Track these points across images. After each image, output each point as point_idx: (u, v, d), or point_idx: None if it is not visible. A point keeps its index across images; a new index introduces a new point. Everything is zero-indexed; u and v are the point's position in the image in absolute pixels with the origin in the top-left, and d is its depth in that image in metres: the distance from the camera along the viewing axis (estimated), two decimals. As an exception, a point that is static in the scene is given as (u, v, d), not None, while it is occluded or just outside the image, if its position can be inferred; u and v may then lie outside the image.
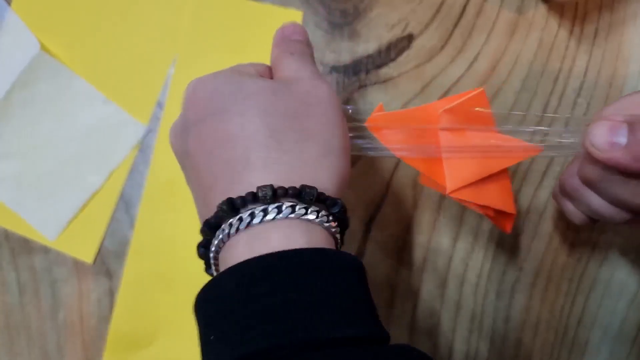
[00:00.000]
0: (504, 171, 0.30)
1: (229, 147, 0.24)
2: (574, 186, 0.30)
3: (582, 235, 0.38)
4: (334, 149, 0.25)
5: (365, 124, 0.30)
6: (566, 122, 0.29)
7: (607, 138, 0.26)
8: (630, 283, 0.38)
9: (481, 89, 0.30)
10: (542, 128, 0.31)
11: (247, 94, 0.25)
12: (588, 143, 0.27)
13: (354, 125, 0.29)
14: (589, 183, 0.29)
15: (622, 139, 0.26)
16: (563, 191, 0.32)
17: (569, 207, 0.32)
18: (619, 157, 0.26)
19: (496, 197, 0.30)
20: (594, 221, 0.32)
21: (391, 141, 0.30)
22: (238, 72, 0.27)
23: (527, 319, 0.38)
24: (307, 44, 0.31)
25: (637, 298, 0.38)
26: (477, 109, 0.30)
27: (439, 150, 0.30)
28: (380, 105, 0.30)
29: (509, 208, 0.30)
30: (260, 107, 0.25)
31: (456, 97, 0.30)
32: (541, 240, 0.38)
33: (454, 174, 0.29)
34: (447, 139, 0.30)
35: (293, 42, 0.30)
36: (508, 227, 0.31)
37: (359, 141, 0.30)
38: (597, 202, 0.29)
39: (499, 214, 0.31)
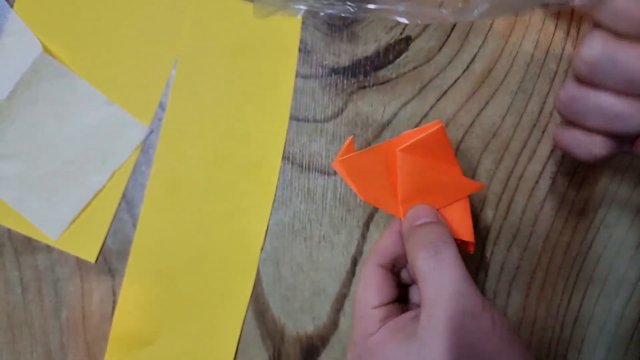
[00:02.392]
0: (465, 204, 0.32)
1: None
2: (575, 96, 0.27)
3: (579, 234, 0.39)
4: None
5: (332, 165, 0.31)
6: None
7: None
8: (626, 281, 0.39)
9: (440, 124, 0.30)
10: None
11: None
12: None
13: None
14: (591, 69, 0.26)
15: None
16: (565, 111, 0.28)
17: (578, 136, 0.28)
18: None
19: (455, 227, 0.32)
20: (614, 146, 0.27)
21: (358, 180, 0.31)
22: None
23: (523, 318, 0.38)
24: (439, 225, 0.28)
25: (634, 296, 0.39)
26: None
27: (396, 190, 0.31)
28: (350, 139, 0.31)
29: (468, 237, 0.32)
30: None
31: (417, 132, 0.31)
32: (538, 239, 0.38)
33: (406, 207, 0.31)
34: (403, 174, 0.31)
35: (420, 229, 0.28)
36: (470, 249, 0.33)
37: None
38: (608, 101, 0.26)
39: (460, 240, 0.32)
